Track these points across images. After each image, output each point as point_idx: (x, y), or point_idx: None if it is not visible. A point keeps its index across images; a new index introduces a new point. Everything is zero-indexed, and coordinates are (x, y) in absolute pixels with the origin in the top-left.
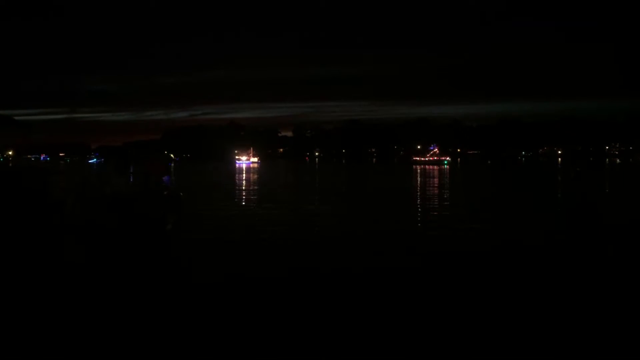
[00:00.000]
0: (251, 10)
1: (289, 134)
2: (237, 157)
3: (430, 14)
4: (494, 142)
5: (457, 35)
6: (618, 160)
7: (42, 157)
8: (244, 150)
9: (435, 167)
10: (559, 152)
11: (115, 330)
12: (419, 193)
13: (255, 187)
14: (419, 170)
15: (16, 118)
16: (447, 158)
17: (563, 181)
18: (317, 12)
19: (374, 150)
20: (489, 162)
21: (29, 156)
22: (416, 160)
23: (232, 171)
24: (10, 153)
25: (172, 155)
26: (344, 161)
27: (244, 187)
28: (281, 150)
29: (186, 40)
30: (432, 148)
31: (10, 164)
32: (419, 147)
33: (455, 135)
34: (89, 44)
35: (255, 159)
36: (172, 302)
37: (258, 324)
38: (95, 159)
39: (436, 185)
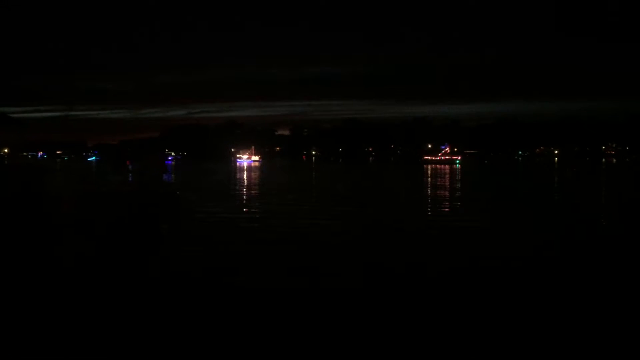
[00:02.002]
0: (250, 8)
1: (286, 132)
2: (238, 155)
3: (428, 13)
4: (492, 142)
5: (455, 35)
6: (614, 160)
7: (39, 155)
8: (243, 148)
9: (447, 166)
10: (556, 151)
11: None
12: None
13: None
14: (434, 171)
15: (12, 115)
16: (459, 157)
17: (561, 181)
18: (316, 11)
19: (371, 149)
20: (486, 161)
21: (25, 154)
22: (427, 159)
23: (239, 171)
24: (5, 151)
25: (172, 153)
26: (340, 160)
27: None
28: (278, 148)
29: (184, 38)
30: (443, 147)
31: (6, 162)
32: (429, 146)
33: (454, 135)
34: (86, 41)
35: (257, 158)
36: (153, 297)
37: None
38: (94, 157)
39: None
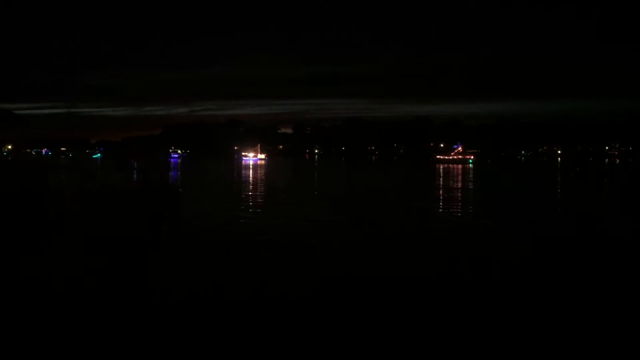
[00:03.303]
0: (252, 8)
1: (289, 131)
2: (243, 153)
3: (430, 13)
4: (494, 142)
5: (457, 35)
6: (617, 161)
7: (44, 152)
8: (246, 146)
9: (459, 165)
10: (559, 151)
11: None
12: None
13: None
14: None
15: (15, 112)
16: (471, 157)
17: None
18: (319, 11)
19: (373, 148)
20: (488, 161)
21: (28, 150)
22: (439, 159)
23: (248, 169)
24: (9, 147)
25: (179, 150)
26: (343, 159)
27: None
28: (281, 147)
29: (187, 36)
30: (456, 147)
31: (10, 158)
32: (441, 145)
33: (456, 134)
34: (89, 38)
35: (263, 156)
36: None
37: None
38: (99, 154)
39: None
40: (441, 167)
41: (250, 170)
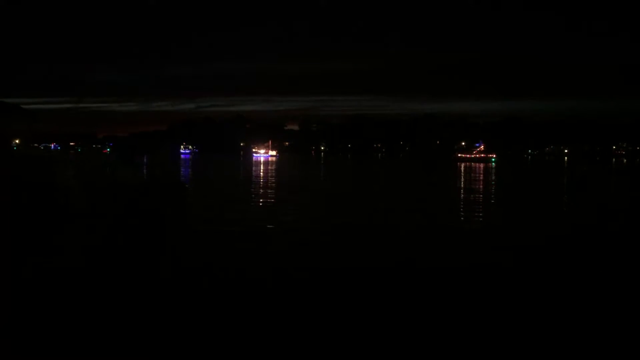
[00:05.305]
0: (257, 4)
1: (295, 127)
2: (254, 150)
3: (437, 10)
4: (500, 140)
5: (464, 32)
6: (625, 160)
7: (52, 146)
8: (253, 142)
9: (482, 164)
10: (566, 150)
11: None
12: None
13: None
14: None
15: (23, 106)
16: (494, 155)
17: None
18: (325, 6)
19: (380, 145)
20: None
21: (36, 145)
22: (460, 157)
23: (262, 166)
24: (16, 141)
25: (190, 147)
26: (349, 156)
27: None
28: (287, 143)
29: (194, 32)
30: (477, 145)
31: (16, 153)
32: (463, 143)
33: (462, 132)
34: (96, 33)
35: (274, 152)
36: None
37: None
38: (108, 149)
39: None
40: (462, 165)
41: (271, 167)
